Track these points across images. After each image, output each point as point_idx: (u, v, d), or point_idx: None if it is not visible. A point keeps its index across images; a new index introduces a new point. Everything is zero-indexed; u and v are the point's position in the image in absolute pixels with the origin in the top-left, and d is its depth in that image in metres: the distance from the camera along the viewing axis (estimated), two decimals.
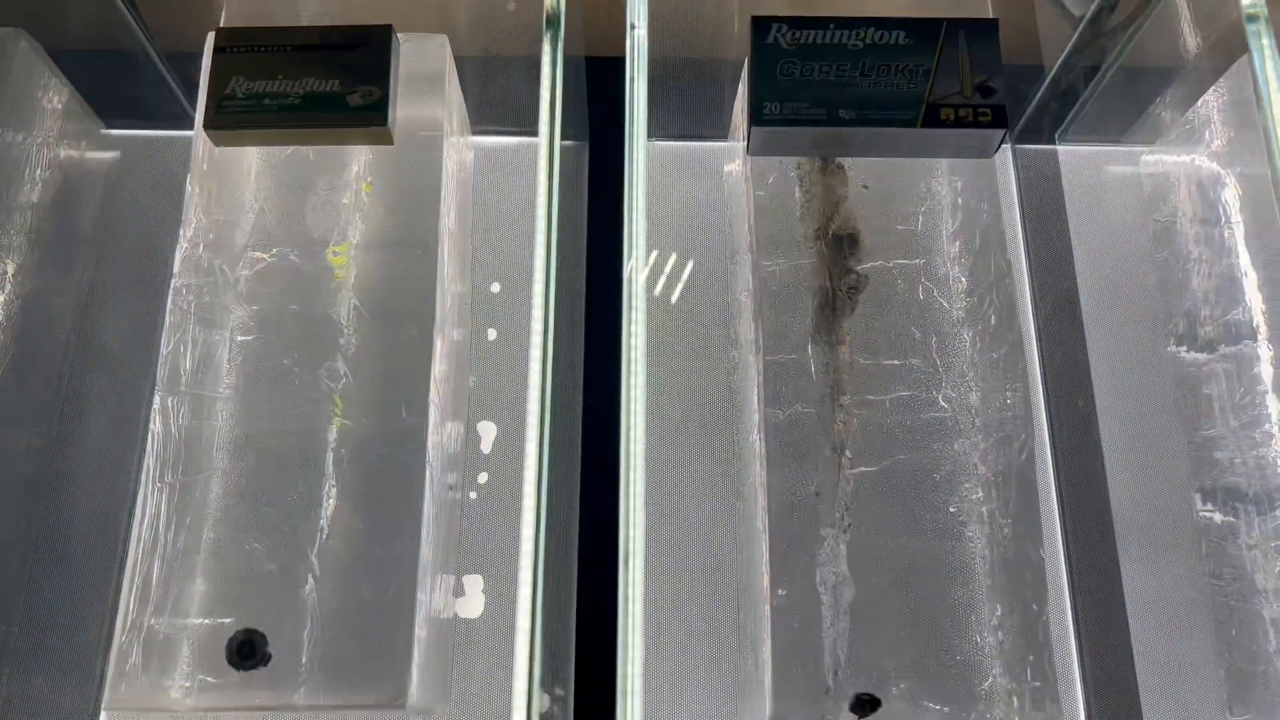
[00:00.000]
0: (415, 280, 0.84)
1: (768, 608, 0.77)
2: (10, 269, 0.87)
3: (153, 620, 0.75)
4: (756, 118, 0.83)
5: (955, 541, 0.79)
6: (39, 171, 0.91)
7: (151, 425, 0.80)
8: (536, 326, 0.68)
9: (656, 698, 0.85)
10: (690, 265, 0.98)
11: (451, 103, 0.91)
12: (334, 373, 0.81)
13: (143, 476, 0.79)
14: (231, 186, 0.87)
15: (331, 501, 0.78)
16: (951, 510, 0.79)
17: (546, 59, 0.72)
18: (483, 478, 0.91)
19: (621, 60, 0.73)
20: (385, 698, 0.74)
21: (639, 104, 0.71)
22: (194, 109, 0.90)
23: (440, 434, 0.83)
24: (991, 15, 0.89)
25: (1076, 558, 0.90)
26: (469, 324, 0.95)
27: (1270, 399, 0.83)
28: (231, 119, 0.84)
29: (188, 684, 0.74)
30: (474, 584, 0.88)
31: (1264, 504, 0.82)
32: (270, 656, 0.74)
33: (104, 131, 1.01)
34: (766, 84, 0.84)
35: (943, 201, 0.88)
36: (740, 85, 0.91)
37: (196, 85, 0.88)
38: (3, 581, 0.85)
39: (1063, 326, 0.97)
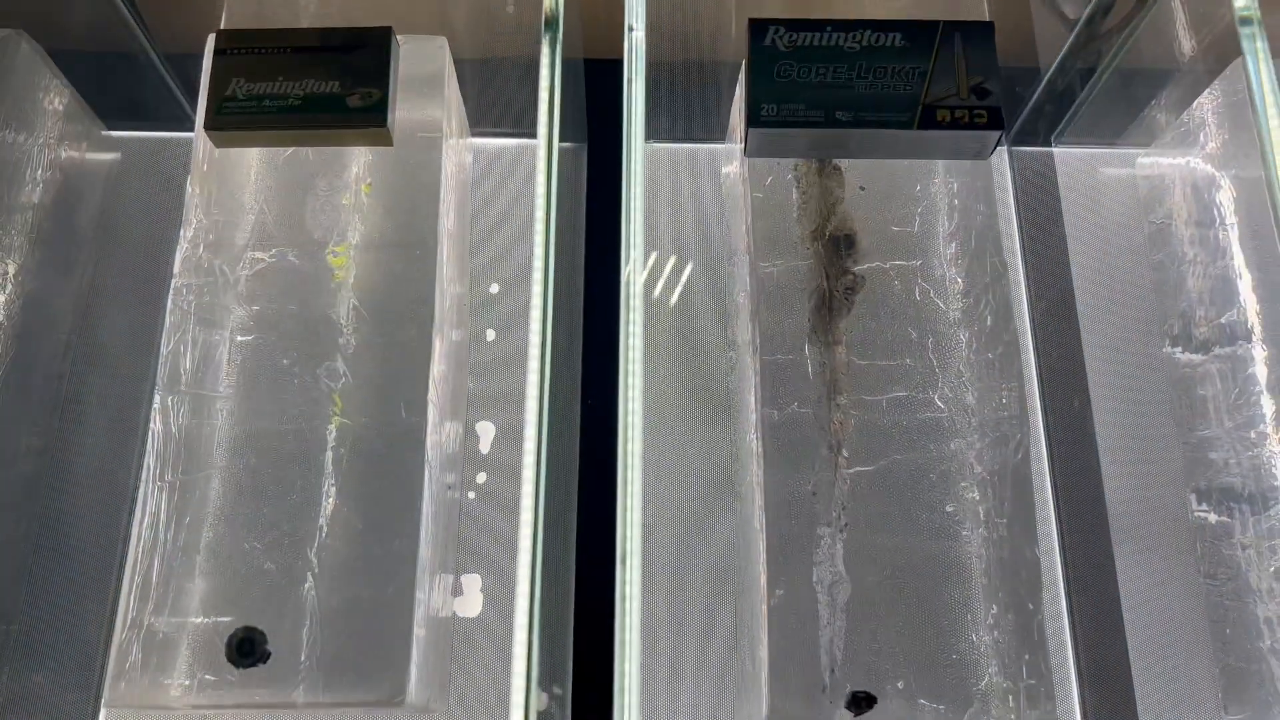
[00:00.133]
0: (414, 281, 0.84)
1: (765, 606, 0.77)
2: (11, 269, 0.88)
3: (152, 618, 0.75)
4: (754, 119, 0.84)
5: (951, 540, 0.79)
6: (40, 172, 0.91)
7: (152, 424, 0.80)
8: (535, 327, 0.69)
9: (654, 696, 0.85)
10: (688, 266, 0.98)
11: (450, 104, 0.92)
12: (333, 372, 0.82)
13: (143, 475, 0.80)
14: (231, 187, 0.87)
15: (330, 500, 0.79)
16: (948, 510, 0.80)
17: (545, 61, 0.72)
18: (481, 477, 0.91)
19: (620, 62, 0.74)
20: (383, 695, 0.74)
21: (637, 105, 0.72)
22: (194, 110, 0.90)
23: (439, 434, 0.83)
24: (988, 18, 0.90)
25: (1072, 557, 0.90)
26: (468, 325, 0.95)
27: (1265, 399, 0.84)
28: (232, 120, 0.84)
29: (187, 682, 0.74)
30: (472, 583, 0.88)
31: (1258, 504, 0.82)
32: (269, 654, 0.75)
33: (105, 133, 1.02)
34: (764, 86, 0.84)
35: (939, 203, 0.89)
36: (738, 87, 0.92)
37: (197, 87, 0.89)
38: (3, 579, 0.86)
39: (1059, 327, 0.97)
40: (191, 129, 0.89)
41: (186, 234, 0.85)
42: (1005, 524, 0.79)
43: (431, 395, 0.81)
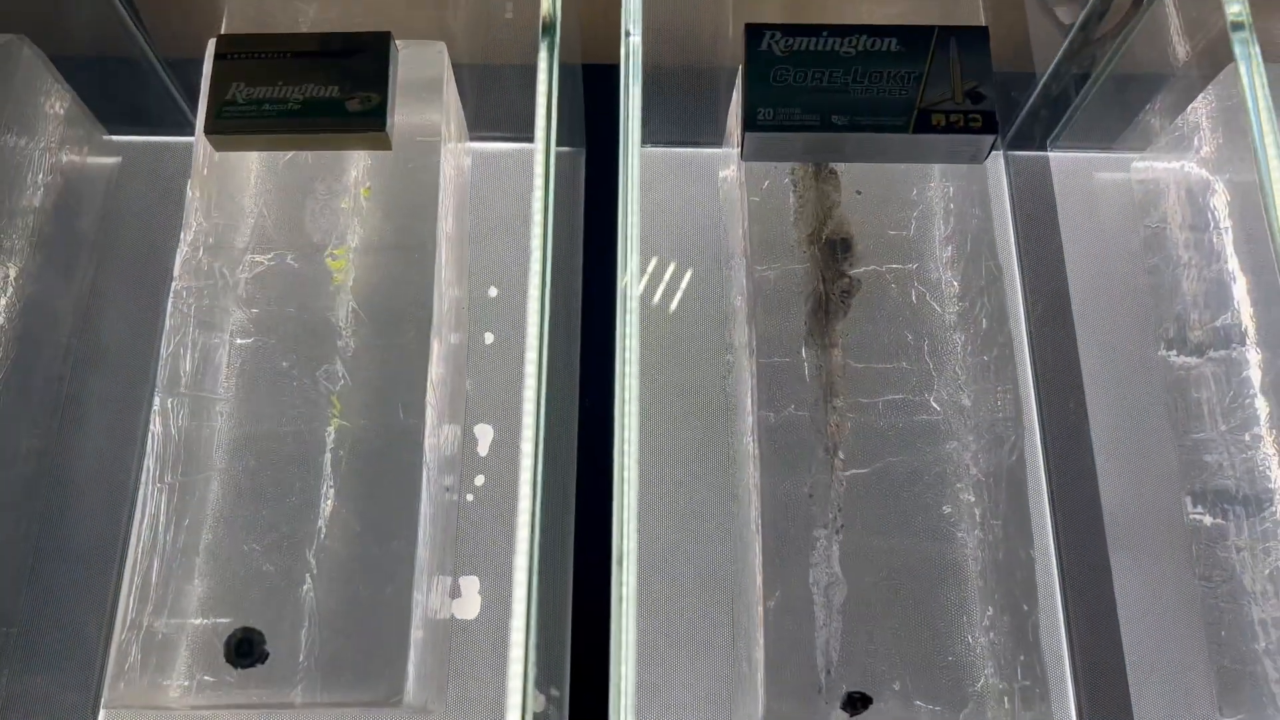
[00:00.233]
0: (412, 284, 0.84)
1: (761, 608, 0.77)
2: (12, 272, 0.88)
3: (151, 619, 0.76)
4: (750, 123, 0.84)
5: (947, 542, 0.79)
6: (41, 176, 0.92)
7: (151, 426, 0.81)
8: (532, 330, 0.69)
9: (651, 697, 0.85)
10: (687, 270, 0.99)
11: (449, 108, 0.92)
12: (332, 375, 0.82)
13: (142, 477, 0.80)
14: (231, 191, 0.88)
15: (329, 502, 0.79)
16: (944, 511, 0.80)
17: (542, 65, 0.72)
18: (479, 480, 0.91)
19: (618, 67, 0.74)
20: (381, 696, 0.74)
21: (633, 110, 0.72)
22: (195, 115, 0.90)
23: (437, 436, 0.83)
24: (984, 23, 0.90)
25: (1068, 559, 0.90)
26: (466, 328, 0.96)
27: (1259, 402, 0.84)
28: (232, 124, 0.85)
29: (186, 682, 0.74)
30: (470, 585, 0.89)
31: (1253, 506, 0.83)
32: (268, 655, 0.75)
33: (106, 137, 1.02)
34: (760, 90, 0.85)
35: (935, 207, 0.89)
36: (735, 92, 0.92)
37: (198, 91, 0.89)
38: (4, 581, 0.86)
39: (1054, 330, 0.98)
40: (192, 133, 0.90)
41: (186, 237, 0.86)
42: (1000, 525, 0.80)
43: (429, 398, 0.82)
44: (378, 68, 0.86)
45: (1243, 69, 0.73)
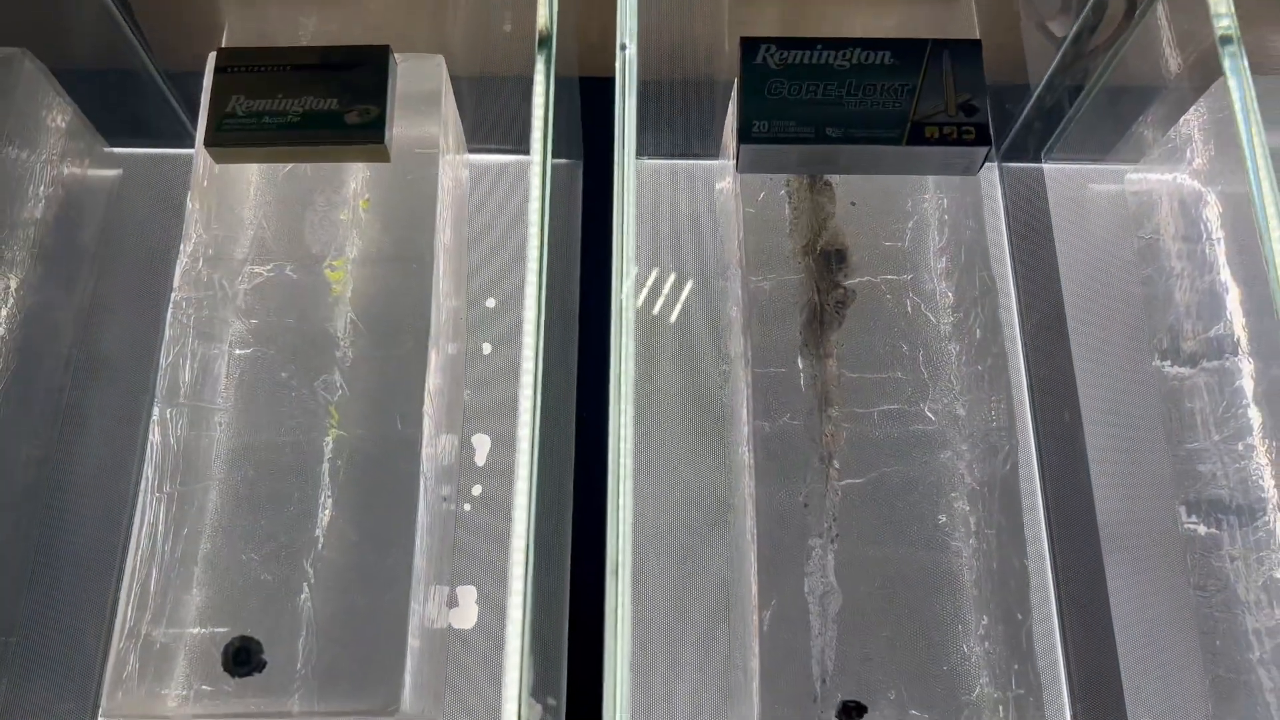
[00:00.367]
0: (410, 294, 0.85)
1: (756, 617, 0.78)
2: (14, 283, 0.89)
3: (150, 628, 0.76)
4: (745, 136, 0.85)
5: (941, 551, 0.80)
6: (42, 188, 0.93)
7: (150, 436, 0.81)
8: (528, 340, 0.70)
9: (647, 706, 0.86)
10: (685, 281, 0.99)
11: (447, 121, 0.93)
12: (330, 385, 0.83)
13: (141, 486, 0.80)
14: (231, 203, 0.88)
15: (327, 512, 0.80)
16: (938, 521, 0.81)
17: (539, 78, 0.73)
18: (477, 490, 0.92)
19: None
20: (378, 705, 0.75)
21: (628, 122, 0.73)
22: (195, 127, 0.91)
23: (434, 446, 0.84)
24: (977, 36, 0.91)
25: (1063, 568, 0.91)
26: (464, 338, 0.96)
27: (1252, 412, 0.84)
28: (231, 136, 0.86)
29: (184, 692, 0.75)
30: (468, 595, 0.89)
31: (1246, 516, 0.83)
32: (265, 663, 0.75)
33: (107, 149, 1.03)
34: (755, 103, 0.85)
35: (930, 218, 0.90)
36: (731, 104, 0.93)
37: (198, 104, 0.90)
38: (3, 590, 0.86)
39: (1049, 341, 0.98)
40: (192, 146, 0.90)
41: (186, 248, 0.86)
42: (994, 535, 0.80)
43: (427, 408, 0.82)
44: (376, 81, 0.87)
45: (1232, 83, 0.74)
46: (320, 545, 0.79)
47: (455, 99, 0.95)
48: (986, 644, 0.78)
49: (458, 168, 0.98)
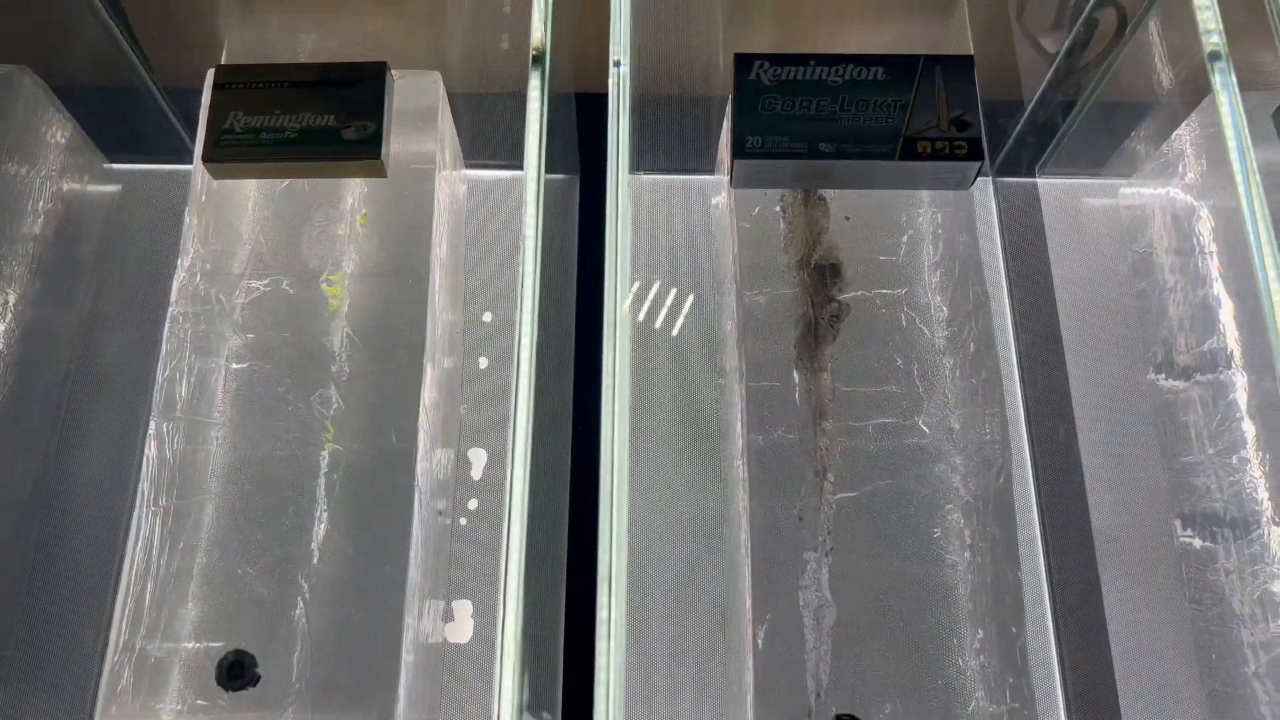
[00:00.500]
0: (406, 309, 0.85)
1: (751, 630, 0.78)
2: (12, 298, 0.89)
3: (144, 642, 0.76)
4: (739, 151, 0.85)
5: (936, 565, 0.80)
6: (42, 204, 0.93)
7: (146, 450, 0.81)
8: (523, 355, 0.70)
9: (640, 718, 0.86)
10: (680, 295, 1.00)
11: (444, 137, 0.94)
12: (326, 400, 0.83)
13: (137, 500, 0.81)
14: (229, 218, 0.89)
15: (322, 526, 0.80)
16: (933, 534, 0.81)
17: (533, 95, 0.74)
18: (473, 504, 0.92)
19: None
20: (372, 718, 0.75)
21: (622, 138, 0.73)
22: (194, 143, 0.92)
23: (430, 460, 0.84)
24: (971, 52, 0.91)
25: (1059, 582, 0.91)
26: (460, 352, 0.96)
27: (1246, 425, 0.85)
28: (229, 152, 0.86)
29: (178, 706, 0.75)
30: (463, 609, 0.89)
31: (1241, 529, 0.83)
32: (259, 677, 0.75)
33: (106, 165, 1.04)
34: (749, 118, 0.86)
35: (923, 232, 0.90)
36: (725, 120, 0.93)
37: (197, 120, 0.91)
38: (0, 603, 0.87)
39: (1044, 354, 0.98)
40: (190, 162, 0.91)
41: (184, 263, 0.87)
42: (989, 548, 0.80)
43: (422, 422, 0.82)
44: (374, 97, 0.87)
45: (1221, 98, 0.75)
46: (315, 559, 0.79)
47: (452, 115, 0.96)
48: (981, 657, 0.78)
49: (454, 183, 0.98)
